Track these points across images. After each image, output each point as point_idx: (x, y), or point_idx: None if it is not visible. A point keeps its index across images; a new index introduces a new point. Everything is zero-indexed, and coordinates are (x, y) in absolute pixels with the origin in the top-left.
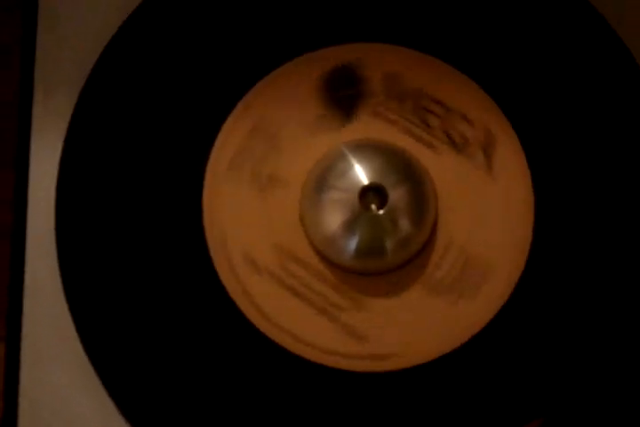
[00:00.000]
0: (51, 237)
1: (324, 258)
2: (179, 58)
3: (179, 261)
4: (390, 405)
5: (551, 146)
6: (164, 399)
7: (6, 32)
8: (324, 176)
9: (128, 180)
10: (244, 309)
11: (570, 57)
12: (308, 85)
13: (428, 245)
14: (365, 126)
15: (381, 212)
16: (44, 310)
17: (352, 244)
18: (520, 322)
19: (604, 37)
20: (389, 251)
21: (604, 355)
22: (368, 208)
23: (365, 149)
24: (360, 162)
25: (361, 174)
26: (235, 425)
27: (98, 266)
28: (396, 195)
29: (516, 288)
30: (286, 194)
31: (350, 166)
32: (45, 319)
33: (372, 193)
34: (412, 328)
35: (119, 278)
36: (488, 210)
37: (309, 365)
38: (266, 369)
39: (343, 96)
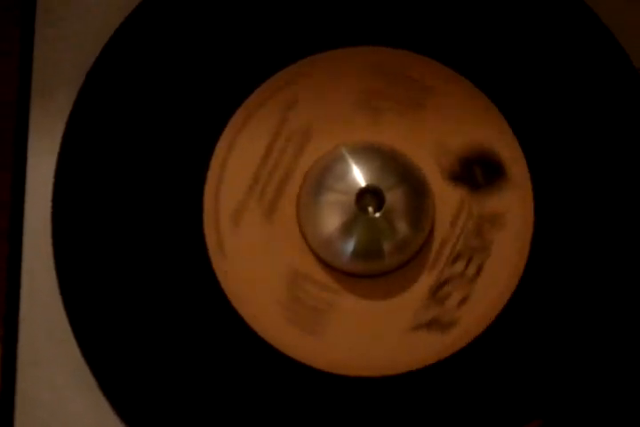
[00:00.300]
0: (47, 238)
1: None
2: (178, 58)
3: (178, 268)
4: (397, 408)
5: (551, 146)
6: (160, 400)
7: (4, 32)
8: (322, 178)
9: (126, 181)
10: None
11: (567, 59)
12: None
13: (425, 245)
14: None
15: (378, 214)
16: (40, 312)
17: (349, 246)
18: (520, 323)
19: (600, 39)
20: (387, 253)
21: (603, 355)
22: (365, 211)
23: (363, 151)
24: (358, 164)
25: (358, 177)
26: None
27: (95, 267)
28: (393, 197)
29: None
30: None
31: (348, 169)
32: (42, 321)
33: (370, 195)
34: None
35: (116, 280)
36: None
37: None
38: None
39: None
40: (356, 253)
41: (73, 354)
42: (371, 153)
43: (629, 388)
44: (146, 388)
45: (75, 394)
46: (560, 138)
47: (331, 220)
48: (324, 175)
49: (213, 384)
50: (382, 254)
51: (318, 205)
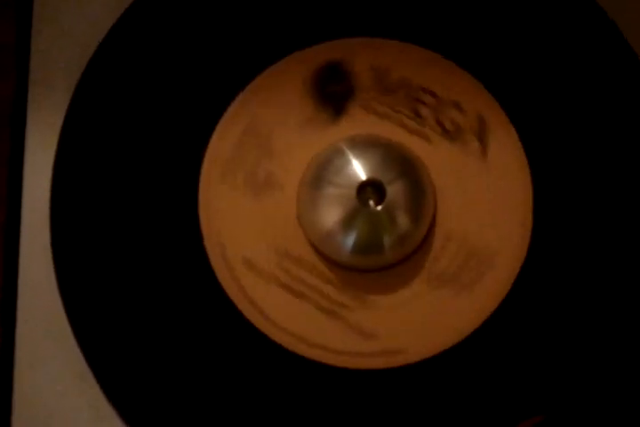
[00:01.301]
0: (45, 234)
1: (324, 257)
2: (173, 55)
3: (177, 268)
4: (403, 400)
5: (545, 130)
6: (159, 399)
7: (1, 28)
8: (322, 172)
9: (123, 177)
10: (248, 315)
11: (560, 41)
12: (297, 85)
13: (427, 238)
14: (356, 122)
15: (379, 208)
16: (38, 309)
17: (350, 240)
18: (523, 311)
19: (598, 23)
20: (388, 247)
21: (607, 347)
22: (366, 204)
23: (363, 144)
24: (358, 158)
25: (359, 170)
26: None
27: (93, 263)
28: (394, 190)
29: (519, 276)
30: (282, 195)
31: (348, 162)
32: (40, 318)
33: (370, 189)
34: (418, 322)
35: (114, 275)
36: (486, 198)
37: (321, 367)
38: (275, 373)
39: (331, 93)
40: (357, 247)
41: (72, 353)
42: (371, 146)
43: (629, 383)
44: (146, 386)
45: (74, 394)
46: (556, 121)
47: (331, 213)
48: (323, 169)
49: (213, 381)
50: (383, 248)
51: (318, 198)
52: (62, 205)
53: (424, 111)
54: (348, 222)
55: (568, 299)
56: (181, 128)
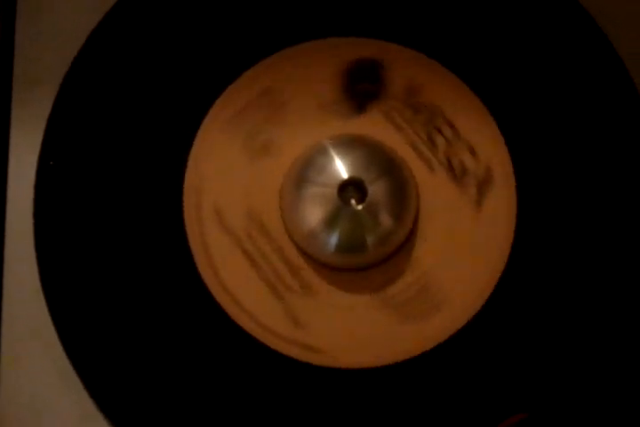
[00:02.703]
0: (29, 231)
1: (290, 239)
2: (160, 52)
3: (158, 254)
4: (380, 401)
5: (549, 199)
6: (144, 397)
7: None
8: (304, 171)
9: (109, 174)
10: (200, 265)
11: (559, 62)
12: (330, 68)
13: (404, 245)
14: (372, 124)
15: (360, 207)
16: (22, 309)
17: (332, 239)
18: (503, 317)
19: (596, 41)
20: (370, 246)
21: (589, 349)
22: (348, 203)
23: (346, 143)
24: (340, 156)
25: (341, 169)
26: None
27: (77, 259)
28: (376, 189)
29: (466, 326)
30: (275, 165)
31: (331, 161)
32: (24, 318)
33: (352, 188)
34: (350, 331)
35: (99, 274)
36: (464, 244)
37: (243, 334)
38: (225, 348)
39: (361, 89)
40: (340, 246)
41: (56, 352)
42: (353, 145)
43: (618, 381)
44: (130, 384)
45: (58, 393)
46: (549, 141)
47: (313, 213)
48: (306, 168)
49: (198, 379)
50: (366, 247)
51: (301, 198)
52: (47, 199)
53: (439, 141)
54: (329, 221)
55: (551, 303)
56: (167, 127)
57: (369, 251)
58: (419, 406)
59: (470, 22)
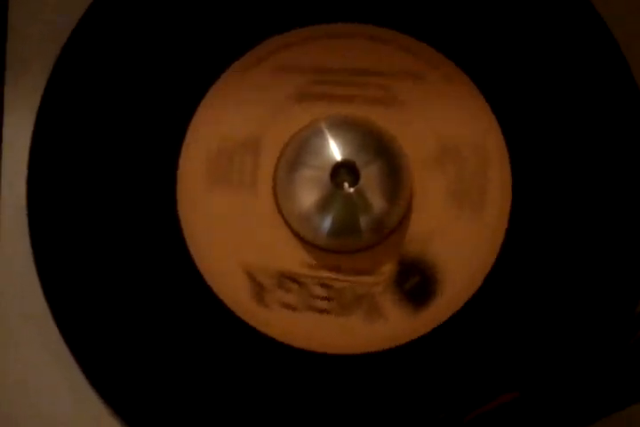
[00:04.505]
0: (23, 215)
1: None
2: (155, 31)
3: (152, 242)
4: (371, 386)
5: (546, 179)
6: (140, 379)
7: None
8: (298, 153)
9: (101, 161)
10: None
11: (563, 60)
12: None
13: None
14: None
15: (352, 190)
16: (15, 291)
17: (326, 222)
18: (494, 304)
19: (603, 43)
20: (363, 229)
21: (579, 331)
22: (341, 186)
23: (341, 125)
24: (335, 139)
25: (335, 151)
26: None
27: (70, 242)
28: (369, 172)
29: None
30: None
31: (325, 143)
32: (17, 299)
33: (345, 171)
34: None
35: (93, 258)
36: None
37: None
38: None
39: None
40: (333, 229)
41: (51, 335)
42: (349, 127)
43: (609, 361)
44: (125, 366)
45: (53, 376)
46: (548, 136)
47: (307, 196)
48: (300, 150)
49: (191, 361)
50: (359, 230)
51: (294, 180)
52: (40, 188)
53: None
54: (322, 204)
55: (543, 289)
56: (162, 109)
57: (363, 234)
58: (413, 389)
59: (470, 14)
